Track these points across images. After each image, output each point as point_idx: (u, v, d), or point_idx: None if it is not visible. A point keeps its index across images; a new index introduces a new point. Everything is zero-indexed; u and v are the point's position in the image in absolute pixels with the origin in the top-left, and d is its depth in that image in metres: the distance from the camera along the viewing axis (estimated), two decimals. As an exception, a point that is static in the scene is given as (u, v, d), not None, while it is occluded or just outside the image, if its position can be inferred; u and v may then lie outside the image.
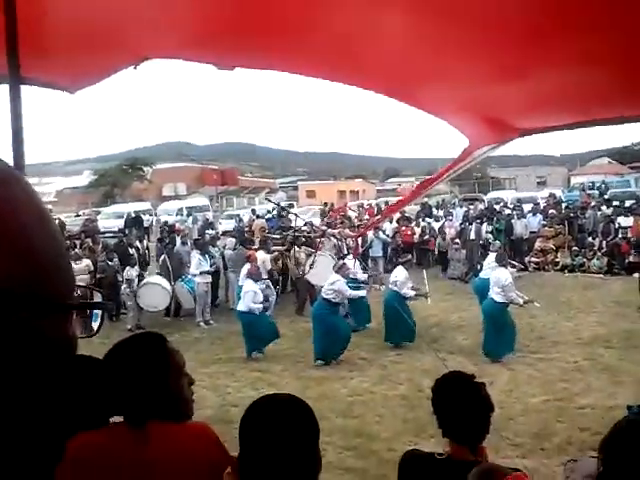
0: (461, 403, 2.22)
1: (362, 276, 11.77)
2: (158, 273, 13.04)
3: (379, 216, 17.82)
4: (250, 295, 9.78)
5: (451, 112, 2.28)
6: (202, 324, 12.16)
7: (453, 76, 1.87)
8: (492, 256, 11.01)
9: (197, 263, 12.51)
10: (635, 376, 8.00)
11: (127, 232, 22.50)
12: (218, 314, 12.93)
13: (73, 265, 0.78)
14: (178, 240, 15.08)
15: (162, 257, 13.32)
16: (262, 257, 12.39)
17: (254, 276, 10.23)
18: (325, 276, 10.26)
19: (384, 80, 2.00)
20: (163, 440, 1.63)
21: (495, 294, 9.12)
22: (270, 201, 26.06)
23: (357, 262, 11.70)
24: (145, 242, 17.73)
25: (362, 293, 10.34)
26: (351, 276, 10.94)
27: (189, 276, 12.76)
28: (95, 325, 0.82)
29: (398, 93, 2.13)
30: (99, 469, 1.60)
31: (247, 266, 11.08)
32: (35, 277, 0.54)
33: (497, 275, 9.24)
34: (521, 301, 9.30)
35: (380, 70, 1.89)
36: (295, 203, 40.66)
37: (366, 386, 8.25)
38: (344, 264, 10.14)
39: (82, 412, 1.65)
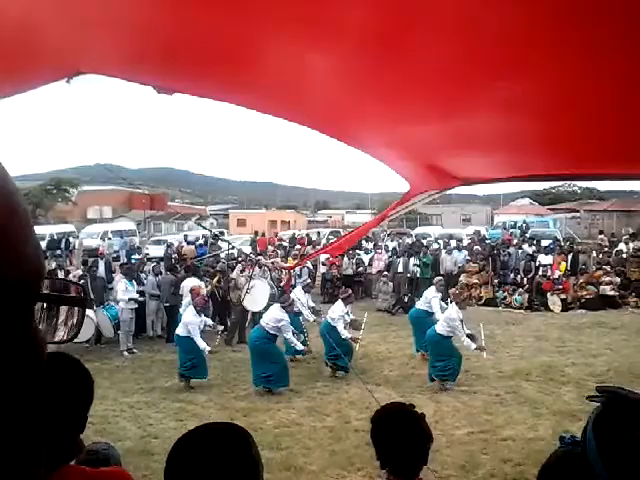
0: (401, 435, 2.19)
1: (307, 313, 11.45)
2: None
3: (319, 248, 17.73)
4: (193, 326, 9.50)
5: (392, 158, 2.29)
6: (125, 353, 11.67)
7: (394, 122, 1.86)
8: (432, 289, 11.31)
9: (123, 289, 12.05)
10: (553, 408, 8.26)
11: (48, 255, 21.51)
12: (140, 342, 12.48)
13: None
14: (101, 264, 14.52)
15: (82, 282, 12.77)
16: (192, 284, 11.94)
17: (199, 307, 9.89)
18: (261, 302, 10.05)
19: (325, 120, 1.97)
20: None
21: (440, 326, 9.42)
22: (201, 226, 25.58)
23: (306, 294, 11.56)
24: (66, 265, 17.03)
25: (299, 347, 9.88)
26: (297, 310, 10.76)
27: (111, 302, 12.31)
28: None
29: (340, 135, 2.11)
30: None
31: (189, 296, 10.84)
32: None
33: (449, 311, 9.56)
34: (473, 347, 9.50)
35: (321, 110, 1.85)
36: (226, 231, 40.30)
37: (293, 418, 8.11)
38: (292, 300, 9.94)
39: None
